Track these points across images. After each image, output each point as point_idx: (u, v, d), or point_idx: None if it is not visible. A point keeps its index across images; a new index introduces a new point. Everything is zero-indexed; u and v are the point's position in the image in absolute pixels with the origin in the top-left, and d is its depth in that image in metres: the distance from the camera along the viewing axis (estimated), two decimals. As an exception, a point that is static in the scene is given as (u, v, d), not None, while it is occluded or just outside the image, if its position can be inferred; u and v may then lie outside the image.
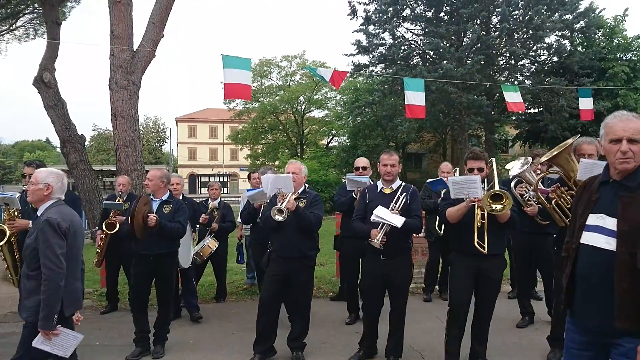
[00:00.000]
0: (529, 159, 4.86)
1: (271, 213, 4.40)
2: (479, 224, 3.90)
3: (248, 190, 5.88)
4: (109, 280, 6.81)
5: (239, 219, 7.48)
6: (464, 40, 19.33)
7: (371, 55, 20.33)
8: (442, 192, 4.51)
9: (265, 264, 4.80)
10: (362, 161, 6.39)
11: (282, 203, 4.43)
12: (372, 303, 4.61)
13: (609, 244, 2.26)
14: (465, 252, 4.10)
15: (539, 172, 4.83)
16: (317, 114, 33.94)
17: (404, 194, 4.48)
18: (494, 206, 3.76)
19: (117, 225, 6.40)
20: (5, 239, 4.48)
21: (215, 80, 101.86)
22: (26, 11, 22.66)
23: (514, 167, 4.84)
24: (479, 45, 18.23)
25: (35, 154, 74.15)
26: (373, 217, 4.24)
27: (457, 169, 7.43)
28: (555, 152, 4.20)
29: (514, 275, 6.88)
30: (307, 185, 5.01)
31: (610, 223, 2.28)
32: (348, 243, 5.82)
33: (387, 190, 4.56)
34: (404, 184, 4.63)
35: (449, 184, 3.98)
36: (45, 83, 12.28)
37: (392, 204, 4.36)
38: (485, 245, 3.92)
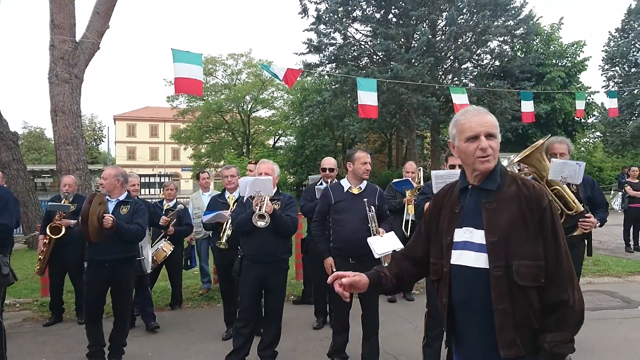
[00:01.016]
0: (511, 157, 4.83)
1: (252, 219, 4.11)
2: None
3: (206, 213, 5.49)
4: (53, 289, 6.24)
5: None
6: (412, 42, 19.61)
7: (322, 55, 20.23)
8: (415, 188, 4.38)
9: (238, 270, 4.50)
10: (329, 162, 6.15)
11: (262, 207, 4.15)
12: (342, 306, 4.42)
13: (480, 260, 1.98)
14: None
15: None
16: (263, 113, 33.53)
17: (372, 199, 4.35)
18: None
19: (63, 229, 5.91)
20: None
21: (157, 77, 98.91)
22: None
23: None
24: (428, 47, 18.52)
25: (-43, 152, 68.93)
26: (378, 254, 4.07)
27: (421, 168, 7.40)
28: (527, 152, 4.18)
29: None
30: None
31: (479, 236, 2.00)
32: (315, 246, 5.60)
33: (356, 191, 4.39)
34: (368, 183, 4.48)
35: (432, 177, 3.86)
36: (-27, 75, 11.30)
37: (371, 225, 4.23)
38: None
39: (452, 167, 4.03)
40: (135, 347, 5.04)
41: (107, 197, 4.56)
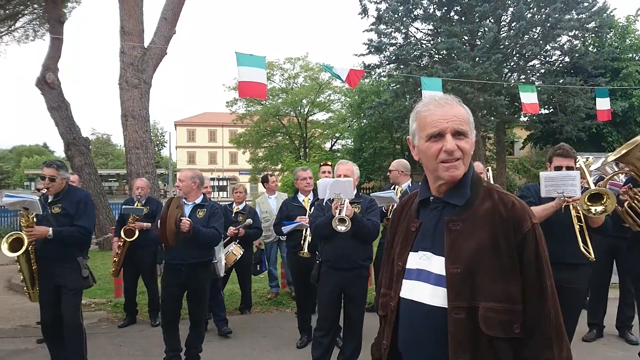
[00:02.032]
0: (608, 156, 4.40)
1: (332, 223, 3.89)
2: (577, 226, 3.40)
3: (285, 223, 5.29)
4: (127, 290, 6.29)
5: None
6: (477, 39, 18.93)
7: (382, 55, 19.90)
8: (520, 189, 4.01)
9: (316, 277, 4.30)
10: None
11: (342, 211, 3.92)
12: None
13: (436, 296, 1.50)
14: None
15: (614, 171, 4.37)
16: (320, 116, 33.50)
17: None
18: (592, 208, 3.27)
19: (136, 232, 5.94)
20: (23, 249, 3.97)
21: (216, 83, 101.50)
22: (25, 12, 22.20)
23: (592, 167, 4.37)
24: (493, 44, 17.79)
25: (33, 158, 73.41)
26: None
27: (489, 168, 6.96)
28: (626, 150, 3.78)
29: None
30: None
31: (437, 264, 1.53)
32: None
33: None
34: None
35: (541, 179, 3.48)
36: (49, 84, 11.81)
37: None
38: (591, 250, 3.41)
39: (558, 168, 3.61)
40: (209, 352, 4.93)
41: (184, 200, 4.48)
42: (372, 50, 19.98)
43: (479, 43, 18.36)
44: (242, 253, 6.14)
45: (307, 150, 32.82)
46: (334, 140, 33.91)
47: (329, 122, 32.48)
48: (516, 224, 1.50)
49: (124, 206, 6.15)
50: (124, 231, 5.91)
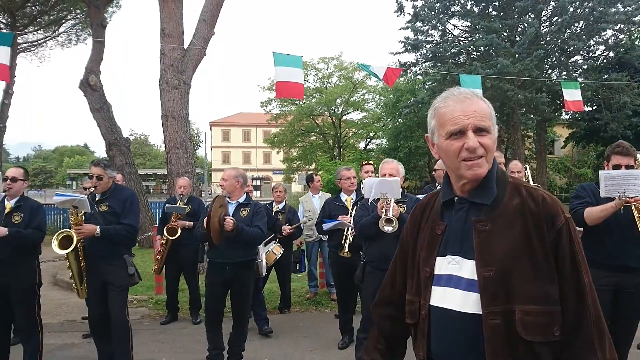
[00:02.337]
0: None
1: (379, 223, 3.83)
2: (642, 228, 3.22)
3: (326, 221, 5.22)
4: (169, 288, 6.38)
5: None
6: (517, 35, 18.48)
7: (418, 53, 19.67)
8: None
9: (361, 277, 4.23)
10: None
11: (388, 211, 3.85)
12: None
13: (469, 302, 1.41)
14: (601, 263, 3.43)
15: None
16: (354, 116, 33.38)
17: None
18: (656, 209, 3.10)
19: (179, 230, 6.01)
20: (72, 247, 4.05)
21: (251, 84, 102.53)
22: (68, 17, 22.91)
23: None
24: (534, 39, 17.31)
25: (75, 158, 75.85)
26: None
27: (527, 166, 6.76)
28: None
29: None
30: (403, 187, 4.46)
31: (468, 269, 1.44)
32: None
33: None
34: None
35: (600, 179, 3.32)
36: (91, 86, 12.12)
37: None
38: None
39: (617, 167, 3.42)
40: (251, 351, 4.93)
41: (227, 199, 4.49)
42: (409, 48, 19.77)
43: (519, 39, 17.92)
44: (282, 252, 6.13)
45: (341, 149, 32.76)
46: (368, 139, 33.73)
47: (363, 121, 32.32)
48: (549, 219, 1.42)
49: (167, 205, 6.23)
50: (167, 229, 6.00)
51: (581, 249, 1.44)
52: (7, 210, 4.40)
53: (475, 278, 1.41)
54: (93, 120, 12.12)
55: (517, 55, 17.28)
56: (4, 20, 21.53)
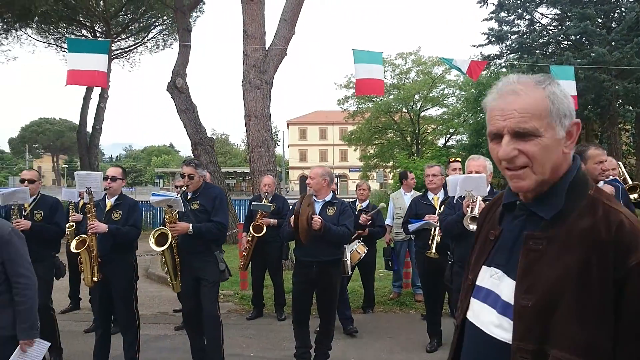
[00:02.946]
0: None
1: (464, 222, 3.67)
2: None
3: (412, 220, 5.06)
4: (254, 284, 6.51)
5: (387, 222, 6.88)
6: (613, 21, 17.14)
7: (503, 45, 18.81)
8: None
9: (449, 278, 4.08)
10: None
11: (474, 209, 3.69)
12: None
13: (501, 327, 1.22)
14: None
15: None
16: (433, 112, 32.53)
17: None
18: None
19: (264, 228, 6.11)
20: (168, 244, 4.22)
21: (327, 82, 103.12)
22: (156, 24, 24.22)
23: None
24: (636, 25, 15.96)
25: (161, 157, 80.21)
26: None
27: (620, 163, 6.20)
28: None
29: None
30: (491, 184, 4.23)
31: (507, 288, 1.23)
32: None
33: None
34: None
35: None
36: (178, 88, 12.66)
37: None
38: None
39: None
40: (337, 350, 4.90)
41: (314, 197, 4.47)
42: (492, 39, 18.96)
43: (616, 25, 16.59)
44: (366, 251, 6.06)
45: (420, 146, 32.09)
46: (448, 136, 32.77)
47: (443, 117, 31.41)
48: (620, 252, 1.10)
49: (252, 203, 6.34)
50: (253, 227, 6.11)
51: None
52: (107, 208, 4.67)
53: (512, 302, 1.19)
54: (179, 121, 12.67)
55: (613, 43, 16.00)
56: (99, 29, 23.14)
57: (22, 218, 4.69)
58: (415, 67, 31.75)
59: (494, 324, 1.24)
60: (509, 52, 19.12)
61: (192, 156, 13.06)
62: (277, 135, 72.47)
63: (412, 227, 4.93)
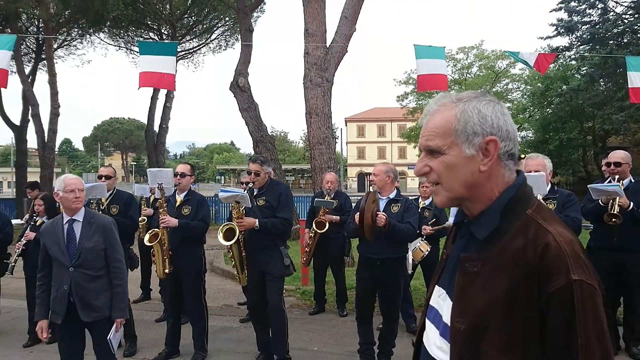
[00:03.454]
0: None
1: None
2: None
3: None
4: (317, 280, 6.58)
5: (450, 221, 6.75)
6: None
7: (573, 36, 17.91)
8: None
9: None
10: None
11: None
12: None
13: (442, 349, 1.19)
14: None
15: None
16: (496, 107, 31.52)
17: None
18: None
19: (326, 224, 6.15)
20: (235, 239, 4.35)
21: (386, 78, 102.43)
22: (219, 25, 24.90)
23: None
24: None
25: (223, 155, 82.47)
26: None
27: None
28: None
29: None
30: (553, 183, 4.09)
31: (447, 310, 1.19)
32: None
33: None
34: None
35: None
36: (240, 87, 12.95)
37: None
38: None
39: None
40: (400, 348, 4.84)
41: (378, 194, 4.46)
42: (561, 31, 18.10)
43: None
44: (429, 250, 5.97)
45: (482, 143, 31.25)
46: (512, 132, 31.70)
47: (507, 112, 30.45)
48: (542, 277, 1.05)
49: (315, 199, 6.40)
50: (315, 223, 6.17)
51: (598, 329, 1.03)
52: (177, 204, 4.87)
53: (449, 324, 1.17)
54: (240, 120, 12.97)
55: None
56: (165, 32, 24.09)
57: (100, 212, 4.97)
58: (477, 62, 30.91)
59: (436, 345, 1.23)
60: (579, 43, 18.18)
61: (254, 153, 13.36)
62: (335, 132, 72.78)
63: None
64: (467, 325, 1.12)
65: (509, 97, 30.14)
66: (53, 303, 3.41)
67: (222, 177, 66.75)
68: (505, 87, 30.21)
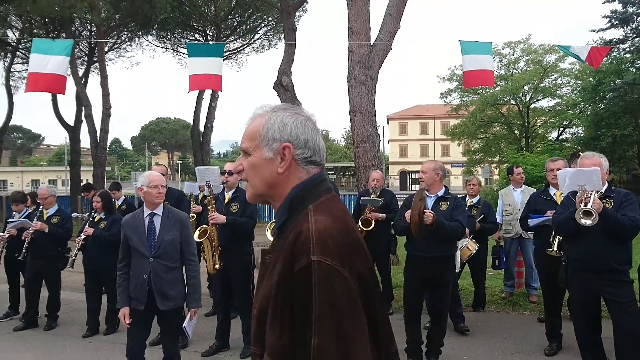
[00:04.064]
0: None
1: (575, 216, 3.48)
2: None
3: (533, 216, 4.81)
4: (362, 278, 6.57)
5: (498, 219, 6.64)
6: None
7: (628, 28, 17.11)
8: None
9: (564, 279, 3.87)
10: None
11: (587, 203, 3.47)
12: None
13: None
14: None
15: None
16: (545, 103, 30.47)
17: None
18: None
19: (372, 222, 6.15)
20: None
21: (429, 75, 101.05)
22: (262, 25, 25.23)
23: None
24: None
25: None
26: None
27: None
28: None
29: None
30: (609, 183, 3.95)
31: None
32: None
33: None
34: None
35: None
36: (284, 86, 13.07)
37: None
38: None
39: None
40: (448, 347, 4.81)
41: (426, 192, 4.43)
42: (615, 23, 17.33)
43: None
44: (477, 248, 5.88)
45: (529, 140, 30.28)
46: (562, 128, 30.56)
47: (556, 108, 29.32)
48: (293, 260, 1.19)
49: (361, 197, 6.41)
50: (361, 221, 6.17)
51: (333, 302, 1.14)
52: (226, 201, 4.99)
53: None
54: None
55: None
56: (210, 33, 24.59)
57: None
58: (524, 56, 30.03)
59: None
60: (634, 35, 17.35)
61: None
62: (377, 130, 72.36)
63: (532, 222, 4.71)
64: (257, 310, 1.30)
65: (557, 92, 29.14)
66: (133, 291, 3.62)
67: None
68: (554, 82, 29.19)
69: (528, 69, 29.54)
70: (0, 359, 5.03)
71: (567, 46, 10.50)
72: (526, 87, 29.38)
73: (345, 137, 70.92)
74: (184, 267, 3.78)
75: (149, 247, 3.59)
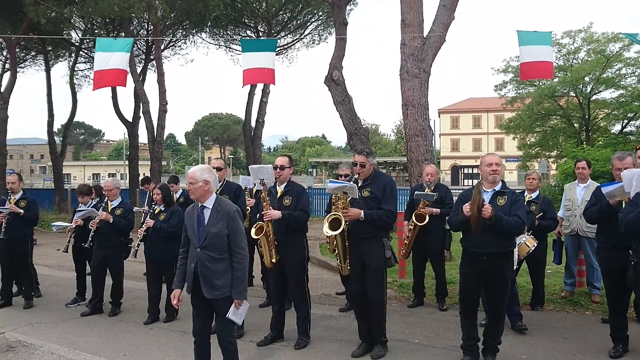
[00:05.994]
0: None
1: None
2: None
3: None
4: (416, 273, 6.53)
5: (559, 214, 6.42)
6: None
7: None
8: None
9: (633, 279, 3.71)
10: None
11: None
12: None
13: None
14: None
15: None
16: (607, 94, 28.98)
17: None
18: None
19: (427, 217, 6.08)
20: (341, 229, 4.43)
21: (482, 67, 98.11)
22: (312, 20, 25.30)
23: None
24: None
25: (314, 148, 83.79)
26: None
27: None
28: None
29: None
30: None
31: None
32: None
33: None
34: None
35: None
36: (335, 80, 13.08)
37: None
38: None
39: None
40: (506, 346, 4.69)
41: (483, 187, 4.33)
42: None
43: None
44: (535, 245, 5.70)
45: (590, 133, 28.93)
46: (626, 121, 29.02)
47: (619, 100, 27.87)
48: None
49: (416, 192, 6.35)
50: (415, 216, 6.12)
51: None
52: (279, 195, 5.06)
53: None
54: (331, 113, 13.24)
55: None
56: (261, 29, 24.87)
57: None
58: (585, 46, 28.66)
59: None
60: None
61: (349, 146, 13.47)
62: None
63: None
64: None
65: (621, 83, 27.66)
66: (187, 277, 3.83)
67: (314, 170, 67.87)
68: (618, 72, 27.72)
69: (589, 59, 28.18)
70: (69, 341, 5.32)
71: (634, 34, 9.93)
72: (587, 78, 28.06)
73: (395, 131, 70.19)
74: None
75: (198, 237, 3.77)
